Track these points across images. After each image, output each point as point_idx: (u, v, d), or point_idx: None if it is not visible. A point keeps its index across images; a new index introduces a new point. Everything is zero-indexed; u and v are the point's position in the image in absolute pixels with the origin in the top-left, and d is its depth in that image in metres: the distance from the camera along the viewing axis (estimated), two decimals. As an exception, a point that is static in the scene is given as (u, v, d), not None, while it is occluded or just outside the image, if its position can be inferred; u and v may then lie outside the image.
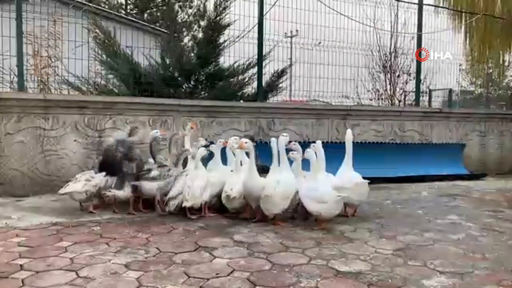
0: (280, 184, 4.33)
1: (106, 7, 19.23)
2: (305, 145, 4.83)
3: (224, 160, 5.08)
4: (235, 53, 7.76)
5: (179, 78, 7.73)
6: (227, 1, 7.58)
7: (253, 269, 3.14)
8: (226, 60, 7.91)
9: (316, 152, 4.57)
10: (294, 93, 8.45)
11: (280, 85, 8.26)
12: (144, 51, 7.58)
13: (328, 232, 4.20)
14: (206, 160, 4.98)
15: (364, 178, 4.78)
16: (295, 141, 4.95)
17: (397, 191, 6.69)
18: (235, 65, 7.84)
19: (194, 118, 6.43)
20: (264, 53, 7.59)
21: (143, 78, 7.12)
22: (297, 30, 8.72)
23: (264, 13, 7.48)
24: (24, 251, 3.43)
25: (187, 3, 21.76)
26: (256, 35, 7.49)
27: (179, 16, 19.46)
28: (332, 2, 8.15)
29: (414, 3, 9.12)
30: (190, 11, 20.66)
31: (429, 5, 9.61)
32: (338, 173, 4.82)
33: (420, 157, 7.80)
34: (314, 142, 4.83)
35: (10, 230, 4.04)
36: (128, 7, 23.65)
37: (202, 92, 7.91)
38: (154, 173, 4.76)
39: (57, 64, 6.92)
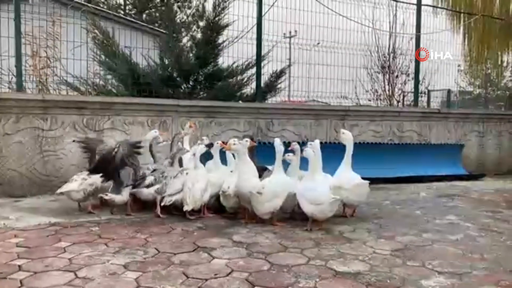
0: (269, 184, 4.32)
1: (105, 7, 19.22)
2: (304, 145, 4.83)
3: (224, 161, 5.08)
4: (234, 53, 7.78)
5: (177, 79, 7.73)
6: (226, 2, 7.59)
7: (252, 269, 3.14)
8: (225, 60, 7.94)
9: (314, 151, 4.57)
10: (292, 93, 8.47)
11: (279, 85, 8.28)
12: (142, 51, 7.58)
13: (327, 232, 4.20)
14: (204, 159, 4.97)
15: (363, 178, 4.78)
16: (294, 142, 4.95)
17: (396, 191, 6.70)
18: (234, 65, 7.86)
19: (193, 119, 6.42)
20: (262, 54, 7.59)
21: (142, 78, 7.11)
22: (295, 31, 8.74)
23: (263, 13, 7.48)
24: (22, 252, 3.42)
25: (186, 4, 21.76)
26: (255, 35, 7.49)
27: (178, 17, 19.41)
28: (330, 2, 8.17)
29: (413, 4, 9.14)
30: (189, 11, 20.64)
31: (427, 5, 9.65)
32: (336, 173, 4.81)
33: (419, 158, 7.81)
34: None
35: (8, 230, 4.03)
36: (127, 7, 23.64)
37: (201, 93, 7.92)
38: (149, 179, 4.72)
39: (56, 65, 6.92)
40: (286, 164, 4.75)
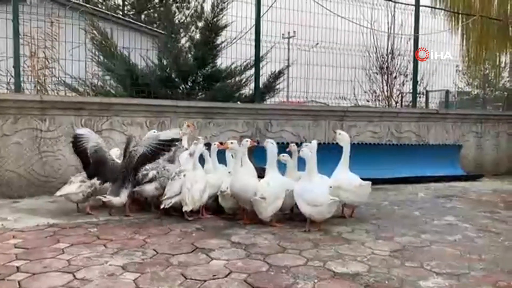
0: (269, 187, 4.30)
1: (103, 8, 19.19)
2: (300, 146, 4.83)
3: (224, 161, 5.08)
4: (232, 54, 7.78)
5: (176, 79, 7.73)
6: (224, 3, 7.60)
7: (250, 270, 3.14)
8: (223, 61, 7.95)
9: (311, 151, 4.55)
10: (291, 94, 8.46)
11: (277, 86, 8.29)
12: (141, 52, 7.59)
13: (325, 233, 4.20)
14: (202, 160, 4.97)
15: (361, 179, 4.77)
16: (292, 142, 4.96)
17: (394, 192, 6.70)
18: (232, 66, 7.86)
19: (191, 119, 6.41)
20: (261, 55, 7.60)
21: (140, 79, 7.12)
22: (294, 32, 8.75)
23: (261, 14, 7.49)
24: (20, 253, 3.42)
25: (185, 4, 21.78)
26: (253, 36, 7.50)
27: (176, 17, 19.47)
28: (329, 3, 8.19)
29: (411, 5, 9.16)
30: (187, 12, 20.68)
31: (425, 6, 9.66)
32: (334, 174, 4.78)
33: (417, 158, 7.83)
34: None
35: (6, 231, 4.02)
36: (125, 8, 23.62)
37: (199, 93, 7.92)
38: (152, 173, 4.76)
39: (54, 65, 6.90)
40: (283, 166, 4.76)
